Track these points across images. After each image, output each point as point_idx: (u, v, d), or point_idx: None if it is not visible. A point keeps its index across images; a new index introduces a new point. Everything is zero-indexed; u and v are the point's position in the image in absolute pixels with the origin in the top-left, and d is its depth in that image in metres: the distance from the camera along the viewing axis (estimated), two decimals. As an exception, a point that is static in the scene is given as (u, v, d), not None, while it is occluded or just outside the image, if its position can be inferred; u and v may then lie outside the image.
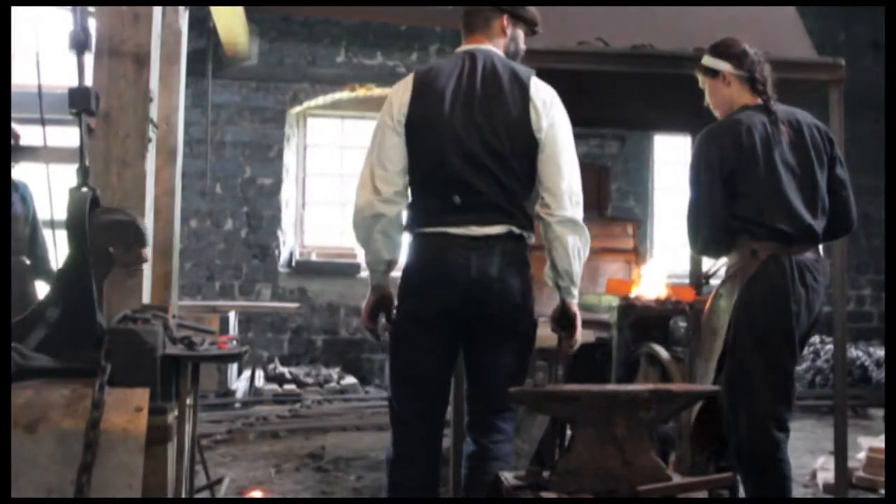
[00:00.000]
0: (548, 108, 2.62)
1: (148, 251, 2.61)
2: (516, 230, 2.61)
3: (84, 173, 2.39)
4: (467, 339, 2.69)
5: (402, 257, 2.76)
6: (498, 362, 2.64)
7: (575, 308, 2.69)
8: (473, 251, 2.57)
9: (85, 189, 2.38)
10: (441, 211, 2.60)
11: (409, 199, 2.70)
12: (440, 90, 2.63)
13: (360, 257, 8.44)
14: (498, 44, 2.75)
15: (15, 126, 3.78)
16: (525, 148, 2.61)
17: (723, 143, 2.92)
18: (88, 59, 2.53)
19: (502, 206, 2.60)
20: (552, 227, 2.60)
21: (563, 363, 2.95)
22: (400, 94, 2.69)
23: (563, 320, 2.71)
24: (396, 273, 2.73)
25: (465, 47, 2.75)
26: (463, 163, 2.58)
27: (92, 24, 2.70)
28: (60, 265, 2.42)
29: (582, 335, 2.78)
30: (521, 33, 2.81)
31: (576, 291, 2.68)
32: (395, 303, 2.73)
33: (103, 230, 2.45)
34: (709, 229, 2.95)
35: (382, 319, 2.79)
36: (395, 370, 2.72)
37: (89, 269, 2.32)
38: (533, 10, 2.81)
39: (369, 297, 2.78)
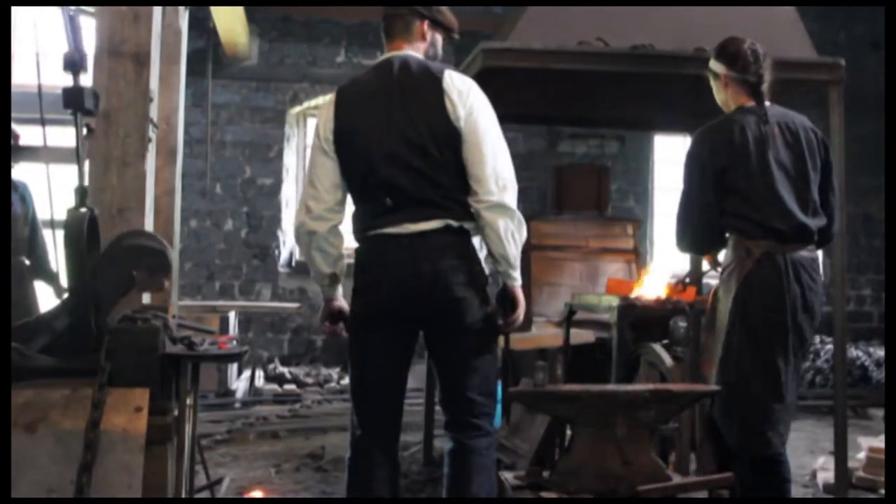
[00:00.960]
0: (464, 97, 2.64)
1: (167, 282, 2.61)
2: (454, 223, 2.63)
3: (82, 194, 2.38)
4: (426, 339, 2.73)
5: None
6: (455, 360, 2.66)
7: (517, 291, 2.69)
8: (410, 249, 2.60)
9: (83, 209, 2.37)
10: (376, 214, 2.66)
11: (351, 209, 2.76)
12: (360, 101, 2.71)
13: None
14: (418, 48, 2.80)
15: (14, 126, 3.78)
16: (447, 140, 2.63)
17: (713, 142, 2.95)
18: (87, 71, 2.52)
19: (434, 201, 2.62)
20: (481, 213, 2.61)
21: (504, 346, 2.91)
22: (324, 114, 2.76)
23: (506, 302, 2.70)
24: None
25: (382, 57, 2.81)
26: (388, 165, 2.63)
27: (91, 24, 2.70)
28: (66, 294, 2.42)
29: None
30: (440, 38, 2.86)
31: (516, 274, 2.67)
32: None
33: (132, 252, 2.45)
34: (699, 226, 2.99)
35: (340, 324, 2.83)
36: (350, 372, 2.78)
37: (89, 293, 2.32)
38: (451, 16, 2.86)
39: (323, 308, 2.85)
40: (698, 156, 2.98)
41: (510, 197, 2.62)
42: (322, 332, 2.92)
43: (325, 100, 2.84)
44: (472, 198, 2.63)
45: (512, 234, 2.62)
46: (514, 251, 2.62)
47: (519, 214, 2.63)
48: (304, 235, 2.73)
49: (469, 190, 2.63)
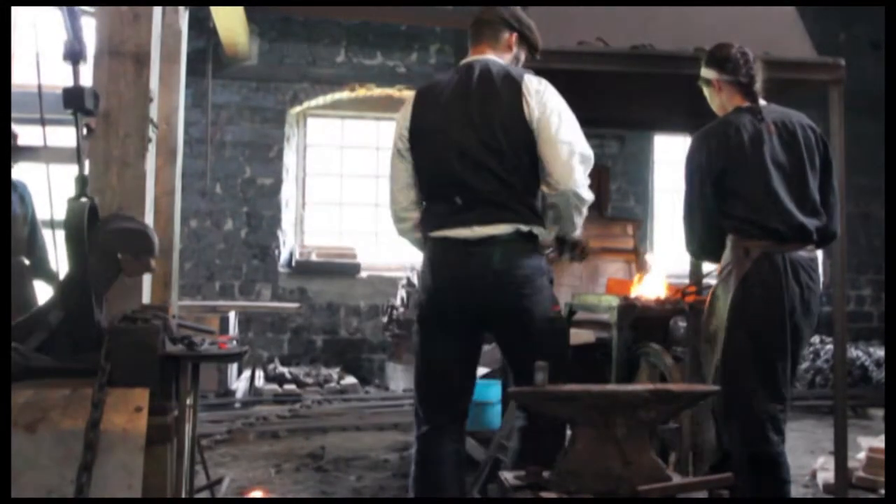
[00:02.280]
0: (540, 95, 2.69)
1: (154, 261, 2.61)
2: (523, 227, 2.69)
3: (82, 183, 2.38)
4: (496, 339, 2.85)
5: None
6: (524, 361, 2.68)
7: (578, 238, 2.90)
8: (480, 254, 2.66)
9: (83, 199, 2.38)
10: (445, 214, 2.71)
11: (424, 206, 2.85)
12: (438, 101, 2.76)
13: (361, 257, 8.45)
14: (502, 57, 2.85)
15: (24, 127, 3.78)
16: (523, 143, 2.68)
17: (710, 145, 2.95)
18: (87, 62, 2.52)
19: (504, 203, 2.67)
20: (556, 204, 2.72)
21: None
22: (402, 114, 2.84)
23: (568, 245, 2.91)
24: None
25: (464, 60, 2.86)
26: (462, 164, 2.67)
27: (91, 24, 2.70)
28: (62, 277, 2.42)
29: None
30: (523, 54, 2.92)
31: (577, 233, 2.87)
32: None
33: (113, 236, 2.45)
34: (704, 230, 3.00)
35: None
36: (418, 368, 2.86)
37: (89, 281, 2.32)
38: (538, 36, 2.94)
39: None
40: (696, 161, 2.99)
41: (585, 191, 2.72)
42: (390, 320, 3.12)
43: (406, 101, 2.90)
44: (547, 188, 2.71)
45: (580, 220, 2.80)
46: (579, 231, 2.83)
47: (590, 199, 2.75)
48: (398, 223, 2.90)
49: (545, 181, 2.71)
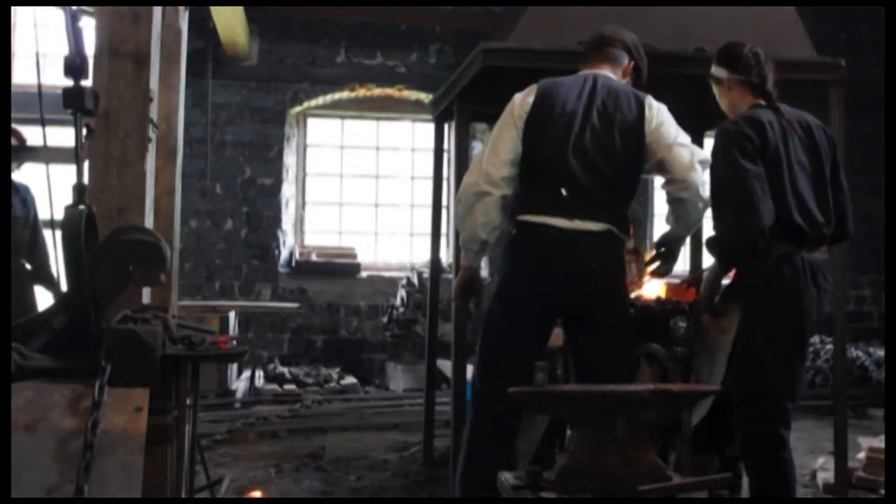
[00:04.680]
0: (659, 111, 2.90)
1: (164, 275, 2.61)
2: (616, 230, 2.82)
3: (80, 191, 2.37)
4: (568, 333, 2.93)
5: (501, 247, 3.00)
6: (598, 358, 2.80)
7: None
8: (575, 245, 2.75)
9: (81, 207, 2.37)
10: (548, 203, 2.80)
11: (517, 190, 2.90)
12: (562, 97, 2.88)
13: (361, 257, 8.44)
14: (619, 77, 3.05)
15: (19, 127, 3.77)
16: (636, 155, 2.86)
17: (749, 135, 2.81)
18: (88, 77, 2.51)
19: (607, 206, 2.81)
20: (684, 199, 2.91)
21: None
22: (523, 97, 2.93)
23: (669, 254, 3.11)
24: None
25: (587, 71, 3.01)
26: (576, 159, 2.79)
27: (91, 24, 2.70)
28: (63, 285, 2.42)
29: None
30: (629, 82, 3.09)
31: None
32: (495, 285, 2.93)
33: (127, 247, 2.45)
34: (767, 218, 2.75)
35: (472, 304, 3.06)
36: (485, 353, 2.89)
37: (87, 289, 2.32)
38: (646, 68, 3.15)
39: (461, 276, 3.01)
40: (738, 146, 2.78)
41: (707, 191, 2.85)
42: (454, 302, 3.15)
43: (528, 88, 3.01)
44: (672, 185, 2.88)
45: (700, 219, 3.04)
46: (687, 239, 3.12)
47: (709, 202, 2.88)
48: (473, 196, 2.85)
49: (670, 182, 2.88)
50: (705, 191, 2.87)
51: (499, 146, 2.87)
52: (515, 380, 2.70)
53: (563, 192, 2.77)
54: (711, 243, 2.93)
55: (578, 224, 2.76)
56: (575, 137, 2.81)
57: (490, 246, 2.95)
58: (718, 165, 2.85)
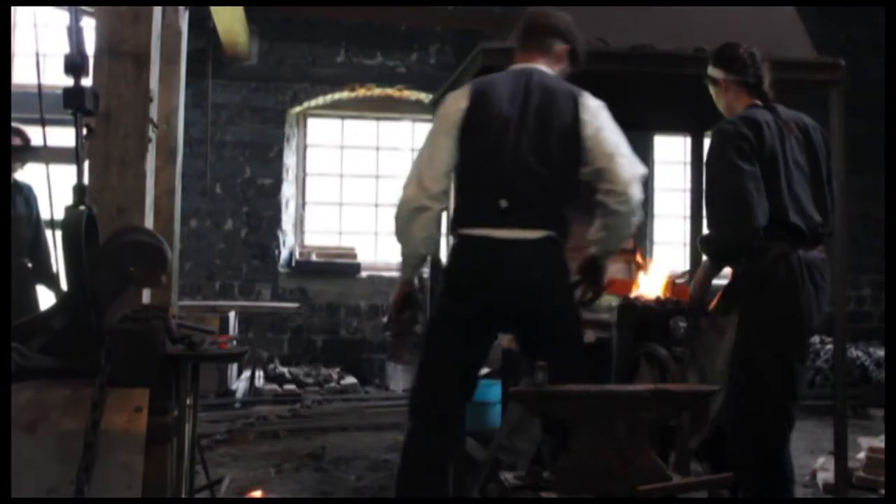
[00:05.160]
0: (596, 112, 2.77)
1: (165, 277, 2.61)
2: (556, 235, 2.74)
3: (80, 191, 2.37)
4: (519, 341, 2.87)
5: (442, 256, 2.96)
6: (556, 360, 2.71)
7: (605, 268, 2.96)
8: (517, 255, 2.68)
9: (81, 207, 2.37)
10: (486, 213, 2.71)
11: (455, 199, 2.83)
12: (496, 99, 2.75)
13: (361, 257, 8.45)
14: (552, 68, 2.89)
15: (25, 127, 3.77)
16: (573, 157, 2.74)
17: (746, 135, 2.83)
18: (88, 75, 2.51)
19: (546, 211, 2.72)
20: (619, 211, 2.77)
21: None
22: (456, 101, 2.81)
23: (593, 274, 2.94)
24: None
25: (520, 65, 2.88)
26: (513, 167, 2.70)
27: (90, 24, 2.69)
28: (63, 286, 2.42)
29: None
30: (567, 67, 2.96)
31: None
32: (432, 299, 2.88)
33: (128, 249, 2.45)
34: (761, 218, 2.77)
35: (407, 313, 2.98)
36: (423, 363, 2.83)
37: (87, 290, 2.32)
38: (583, 52, 2.99)
39: (399, 291, 2.91)
40: (735, 146, 2.81)
41: (639, 201, 2.77)
42: (390, 320, 3.06)
43: (457, 91, 2.89)
44: (608, 197, 2.75)
45: (630, 233, 2.91)
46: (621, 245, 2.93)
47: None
48: (413, 211, 2.76)
49: (606, 192, 2.75)
50: (640, 206, 2.77)
51: (435, 156, 2.77)
52: (454, 390, 2.77)
53: (503, 203, 2.68)
54: (705, 242, 2.98)
55: (518, 233, 2.68)
56: (511, 143, 2.71)
57: (426, 259, 2.92)
58: (714, 165, 2.89)
